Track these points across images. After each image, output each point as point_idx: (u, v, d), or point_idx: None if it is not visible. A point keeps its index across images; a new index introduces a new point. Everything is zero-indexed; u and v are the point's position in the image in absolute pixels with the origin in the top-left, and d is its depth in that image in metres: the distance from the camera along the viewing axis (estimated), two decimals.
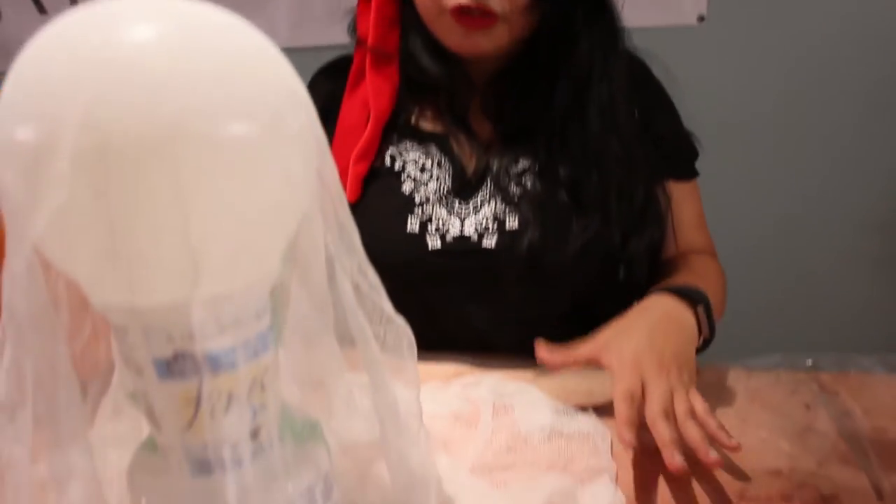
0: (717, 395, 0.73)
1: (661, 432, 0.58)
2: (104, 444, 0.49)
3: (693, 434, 0.58)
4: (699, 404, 0.62)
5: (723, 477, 0.61)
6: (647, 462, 0.63)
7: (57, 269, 0.35)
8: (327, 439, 0.45)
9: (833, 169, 1.73)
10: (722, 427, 0.60)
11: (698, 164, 0.98)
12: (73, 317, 0.42)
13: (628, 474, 0.61)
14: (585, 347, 0.71)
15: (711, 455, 0.57)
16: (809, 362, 0.77)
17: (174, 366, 0.36)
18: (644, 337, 0.69)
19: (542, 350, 0.72)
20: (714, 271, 0.92)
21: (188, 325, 0.34)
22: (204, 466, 0.39)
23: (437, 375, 0.77)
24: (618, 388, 0.63)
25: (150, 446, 0.43)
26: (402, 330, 0.47)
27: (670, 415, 0.60)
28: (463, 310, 0.88)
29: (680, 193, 0.95)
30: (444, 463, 0.59)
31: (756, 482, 0.60)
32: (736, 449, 0.58)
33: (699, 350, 0.75)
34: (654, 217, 0.90)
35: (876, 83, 1.66)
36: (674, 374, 0.65)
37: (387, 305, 0.46)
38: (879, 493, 0.57)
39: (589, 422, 0.66)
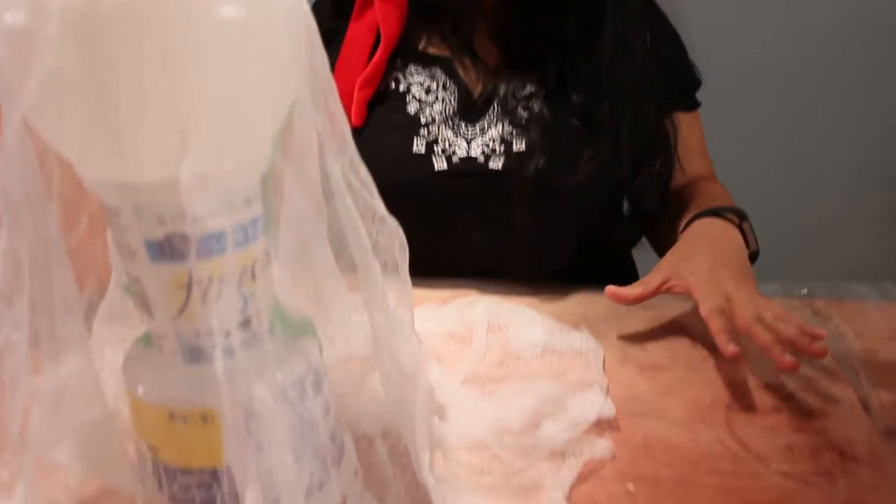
0: None
1: (762, 336, 0.61)
2: (101, 346, 0.50)
3: (791, 332, 0.61)
4: (780, 309, 0.64)
5: (712, 389, 0.62)
6: (637, 378, 0.64)
7: (49, 144, 0.35)
8: (322, 344, 0.46)
9: (834, 102, 1.72)
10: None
11: (704, 100, 0.98)
12: (69, 210, 0.42)
13: (619, 389, 0.62)
14: (655, 277, 0.73)
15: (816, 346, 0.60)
16: (805, 290, 0.77)
17: (165, 247, 0.37)
18: (713, 257, 0.72)
19: (613, 289, 0.73)
20: (727, 195, 0.93)
21: (179, 206, 0.35)
22: (195, 354, 0.40)
23: (434, 298, 0.78)
24: (706, 305, 0.66)
25: (145, 340, 0.44)
26: (394, 230, 0.47)
27: (762, 320, 0.63)
28: (467, 234, 0.88)
29: (686, 123, 0.95)
30: (437, 373, 0.59)
31: (745, 395, 0.61)
32: (822, 336, 0.60)
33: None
34: (663, 147, 0.90)
35: (885, 30, 1.64)
36: (751, 285, 0.68)
37: (379, 205, 0.46)
38: (866, 407, 0.58)
39: (582, 339, 0.67)
